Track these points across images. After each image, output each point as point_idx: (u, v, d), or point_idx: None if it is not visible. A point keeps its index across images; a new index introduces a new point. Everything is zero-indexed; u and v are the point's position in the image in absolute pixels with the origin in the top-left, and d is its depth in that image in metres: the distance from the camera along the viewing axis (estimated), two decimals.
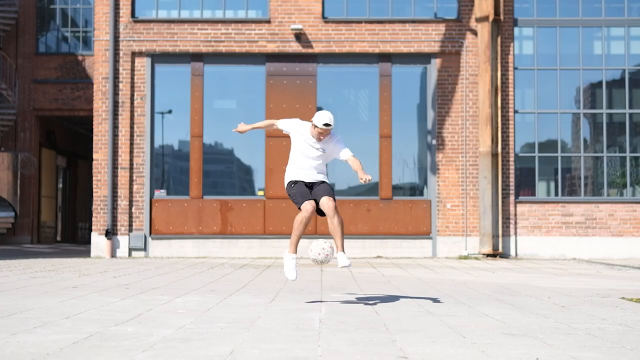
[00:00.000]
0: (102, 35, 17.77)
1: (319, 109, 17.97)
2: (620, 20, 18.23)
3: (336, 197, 18.85)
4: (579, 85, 18.23)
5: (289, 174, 7.56)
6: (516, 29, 18.12)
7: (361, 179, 7.16)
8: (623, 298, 8.08)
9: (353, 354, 4.48)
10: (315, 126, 7.28)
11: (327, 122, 7.23)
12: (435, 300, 7.68)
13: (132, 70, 17.71)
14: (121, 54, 17.70)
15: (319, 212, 7.42)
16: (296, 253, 7.32)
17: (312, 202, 7.29)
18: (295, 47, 17.71)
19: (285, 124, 7.70)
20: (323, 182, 7.49)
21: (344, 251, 7.27)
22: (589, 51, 18.38)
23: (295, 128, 7.55)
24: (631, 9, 18.28)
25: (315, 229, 17.42)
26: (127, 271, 11.94)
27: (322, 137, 7.35)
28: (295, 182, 7.45)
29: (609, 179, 18.10)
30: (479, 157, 17.40)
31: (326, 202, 7.25)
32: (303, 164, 7.47)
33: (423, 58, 17.95)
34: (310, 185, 7.46)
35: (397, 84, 17.96)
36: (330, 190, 7.41)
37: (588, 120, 18.34)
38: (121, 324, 5.67)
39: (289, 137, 7.68)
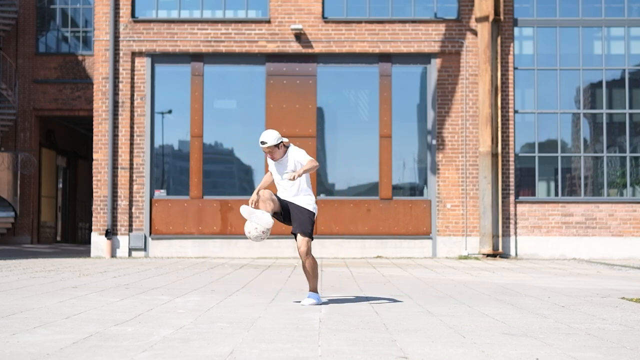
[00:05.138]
0: (102, 35, 17.77)
1: (319, 109, 17.98)
2: (620, 20, 18.23)
3: (336, 198, 18.78)
4: (579, 85, 18.23)
5: None
6: (516, 29, 18.12)
7: (287, 176, 7.05)
8: (623, 298, 8.08)
9: (353, 354, 4.48)
10: None
11: (261, 139, 7.20)
12: (434, 300, 7.67)
13: (132, 70, 17.71)
14: (121, 54, 17.70)
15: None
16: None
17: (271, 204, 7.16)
18: (295, 47, 17.71)
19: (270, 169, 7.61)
20: (299, 207, 7.26)
21: (314, 291, 7.28)
22: (589, 51, 18.38)
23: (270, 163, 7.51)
24: (631, 9, 18.28)
25: (315, 229, 17.42)
26: (127, 271, 11.94)
27: (270, 156, 7.27)
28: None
29: (609, 179, 18.10)
30: (479, 157, 17.40)
31: (298, 245, 7.19)
32: (279, 187, 7.40)
33: (423, 58, 17.95)
34: (285, 204, 7.29)
35: (397, 84, 17.96)
36: (304, 223, 7.19)
37: (588, 120, 18.34)
38: (121, 324, 5.67)
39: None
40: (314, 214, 7.29)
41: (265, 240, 17.48)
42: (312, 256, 7.25)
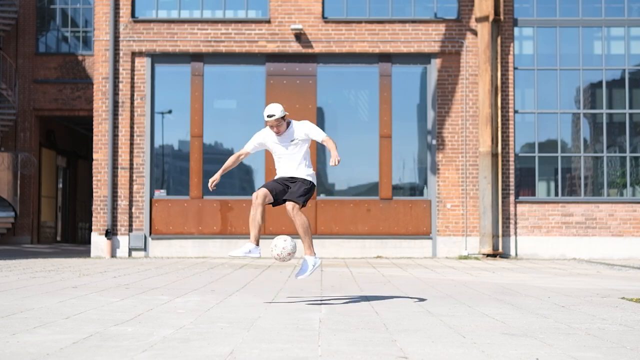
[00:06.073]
0: (102, 35, 17.77)
1: (319, 109, 17.98)
2: (620, 20, 18.23)
3: (336, 197, 18.75)
4: (579, 85, 18.23)
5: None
6: (516, 29, 18.12)
7: (332, 163, 7.10)
8: (623, 298, 8.08)
9: (353, 354, 4.48)
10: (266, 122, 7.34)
11: (269, 113, 7.24)
12: (435, 300, 7.68)
13: (132, 70, 17.71)
14: (121, 54, 17.70)
15: (277, 203, 7.41)
16: (256, 243, 7.22)
17: (265, 191, 7.24)
18: (295, 47, 17.71)
19: (251, 144, 7.68)
20: (297, 179, 7.37)
21: (311, 254, 7.25)
22: (589, 51, 18.38)
23: (261, 139, 7.57)
24: (631, 9, 18.28)
25: (315, 229, 17.42)
26: (127, 271, 11.94)
27: (275, 130, 7.32)
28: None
29: (609, 179, 18.10)
30: (479, 157, 17.40)
31: (288, 209, 7.27)
32: (280, 164, 7.49)
33: (423, 58, 17.95)
34: (289, 181, 7.40)
35: (397, 84, 17.96)
36: (301, 189, 7.28)
37: (588, 120, 18.35)
38: (121, 324, 5.67)
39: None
40: (313, 184, 7.36)
41: (265, 241, 17.46)
42: (302, 214, 7.22)
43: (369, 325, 5.72)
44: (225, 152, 18.65)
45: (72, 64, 25.10)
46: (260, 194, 7.22)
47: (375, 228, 17.56)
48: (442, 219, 17.51)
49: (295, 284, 9.52)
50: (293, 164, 7.41)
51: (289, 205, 7.24)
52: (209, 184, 7.65)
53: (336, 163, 7.07)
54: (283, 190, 7.35)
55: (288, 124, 7.42)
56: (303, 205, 7.28)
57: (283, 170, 7.46)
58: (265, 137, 7.54)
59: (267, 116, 7.24)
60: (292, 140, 7.37)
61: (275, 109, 7.24)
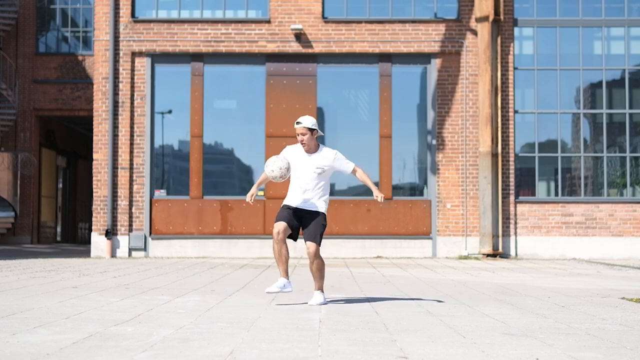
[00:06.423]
0: (102, 35, 17.77)
1: (319, 109, 17.98)
2: (620, 20, 18.23)
3: (336, 197, 18.75)
4: (579, 85, 18.23)
5: (286, 198, 7.47)
6: (516, 29, 18.12)
7: (377, 197, 7.17)
8: (623, 298, 8.09)
9: (353, 354, 4.48)
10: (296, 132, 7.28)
11: (298, 120, 7.22)
12: (435, 300, 7.68)
13: (132, 70, 17.71)
14: (121, 54, 17.70)
15: (293, 236, 7.35)
16: (287, 277, 7.28)
17: (284, 224, 7.16)
18: (295, 47, 17.71)
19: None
20: (315, 215, 7.26)
21: (321, 290, 7.33)
22: (589, 51, 18.38)
23: (287, 153, 7.38)
24: (631, 9, 18.28)
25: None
26: (127, 271, 11.94)
27: (303, 142, 7.17)
28: (284, 206, 7.35)
29: (609, 179, 18.10)
30: (479, 157, 17.40)
31: (307, 247, 7.25)
32: (300, 183, 7.28)
33: (423, 58, 17.95)
34: (301, 214, 7.28)
35: (397, 84, 17.96)
36: (318, 228, 7.22)
37: (588, 120, 18.35)
38: (121, 324, 5.67)
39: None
40: (325, 215, 7.34)
41: (265, 241, 17.49)
42: (321, 257, 7.29)
43: (369, 325, 5.72)
44: (225, 152, 18.65)
45: (72, 64, 25.09)
46: (281, 229, 7.13)
47: (375, 228, 17.56)
48: (442, 219, 17.51)
49: (295, 285, 9.52)
50: (312, 191, 7.27)
51: (311, 247, 7.20)
52: (249, 197, 7.50)
53: (382, 200, 7.19)
54: (298, 226, 7.30)
55: (318, 146, 7.33)
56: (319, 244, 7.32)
57: (298, 193, 7.28)
58: (291, 154, 7.35)
59: (296, 123, 7.19)
60: (317, 168, 7.22)
61: (306, 119, 7.21)
